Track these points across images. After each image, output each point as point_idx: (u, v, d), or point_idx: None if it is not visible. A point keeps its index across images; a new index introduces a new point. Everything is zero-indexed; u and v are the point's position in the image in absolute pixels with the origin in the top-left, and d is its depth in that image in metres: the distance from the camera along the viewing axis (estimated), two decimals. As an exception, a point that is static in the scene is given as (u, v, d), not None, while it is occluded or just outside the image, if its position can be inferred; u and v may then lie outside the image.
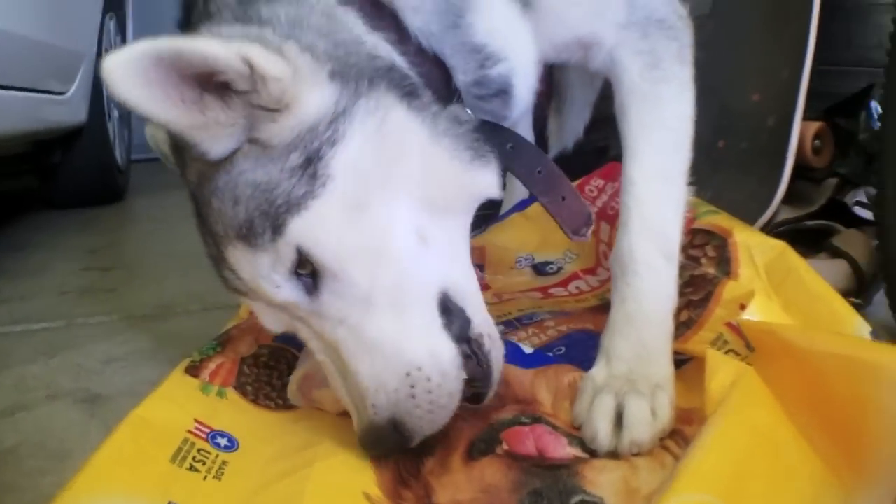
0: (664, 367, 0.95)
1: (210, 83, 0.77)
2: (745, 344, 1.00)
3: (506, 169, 0.98)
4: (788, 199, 1.69)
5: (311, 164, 0.80)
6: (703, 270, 1.17)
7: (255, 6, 0.85)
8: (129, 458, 0.90)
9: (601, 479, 0.85)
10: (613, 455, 0.87)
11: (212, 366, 1.09)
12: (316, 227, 0.80)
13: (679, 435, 0.90)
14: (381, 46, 0.88)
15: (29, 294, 2.26)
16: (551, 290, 1.53)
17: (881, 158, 1.47)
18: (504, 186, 1.04)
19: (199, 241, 0.95)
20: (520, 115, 1.06)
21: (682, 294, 1.12)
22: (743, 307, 1.04)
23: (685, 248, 1.21)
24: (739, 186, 1.76)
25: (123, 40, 3.79)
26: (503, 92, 0.96)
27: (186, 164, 0.87)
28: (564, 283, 1.55)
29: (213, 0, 0.90)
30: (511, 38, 0.95)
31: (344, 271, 0.81)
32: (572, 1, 1.00)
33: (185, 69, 0.74)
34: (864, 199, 1.66)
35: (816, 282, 1.12)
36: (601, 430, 0.87)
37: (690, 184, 1.48)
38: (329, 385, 0.92)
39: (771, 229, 1.65)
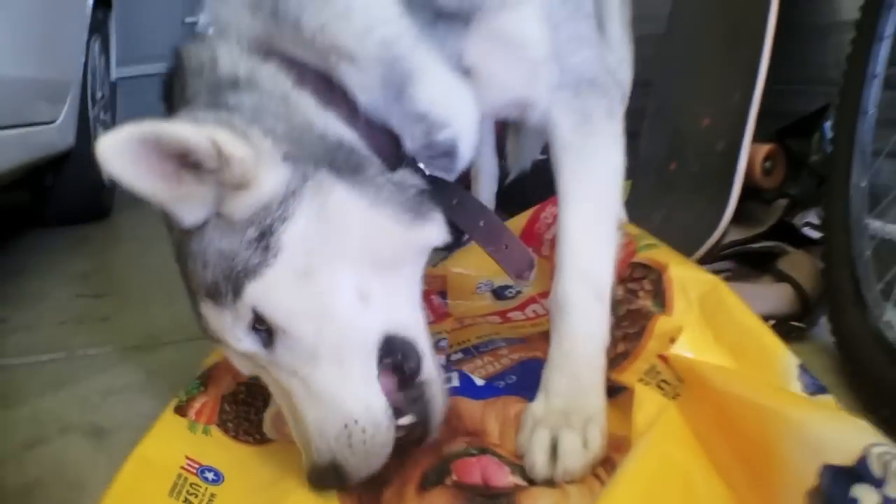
0: (596, 401, 1.05)
1: (187, 161, 0.87)
2: (676, 375, 1.07)
3: (451, 222, 1.06)
4: (738, 220, 1.75)
5: (264, 238, 0.91)
6: (639, 304, 1.23)
7: (223, 94, 0.95)
8: (134, 494, 1.02)
9: (536, 507, 0.94)
10: (549, 483, 0.97)
11: (197, 405, 1.19)
12: (268, 291, 0.92)
13: (609, 462, 0.99)
14: (331, 123, 0.97)
15: (33, 324, 2.32)
16: (509, 314, 1.62)
17: (829, 181, 1.50)
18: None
19: (176, 270, 1.05)
20: (478, 147, 1.15)
21: (619, 327, 1.19)
22: (672, 340, 1.10)
23: (625, 282, 1.30)
24: (690, 207, 1.85)
25: (107, 60, 3.88)
26: (449, 152, 1.06)
27: (172, 228, 0.98)
28: (522, 307, 1.63)
29: (190, 87, 1.00)
30: (453, 105, 1.03)
31: (292, 329, 0.93)
32: (508, 68, 1.07)
33: (165, 149, 0.85)
34: (815, 221, 1.71)
35: (746, 315, 1.16)
36: (538, 461, 0.98)
37: (644, 205, 1.56)
38: None
39: (719, 251, 1.74)
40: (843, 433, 0.79)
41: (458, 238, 1.16)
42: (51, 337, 2.18)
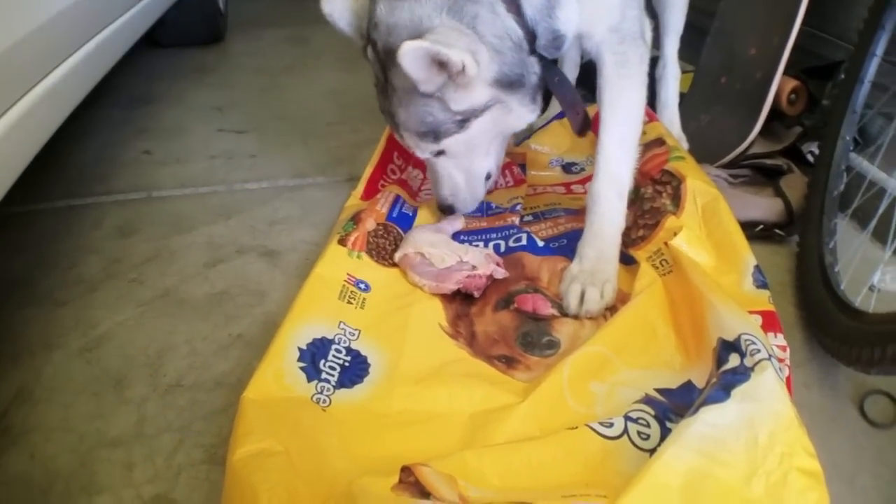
0: (612, 267, 1.48)
1: (439, 63, 1.27)
2: (673, 258, 1.43)
3: (553, 92, 1.50)
4: (763, 135, 2.07)
5: (465, 123, 1.42)
6: (660, 203, 1.59)
7: (463, 2, 1.31)
8: (316, 298, 1.37)
9: (563, 329, 1.38)
10: (575, 317, 1.42)
11: (352, 238, 1.56)
12: (453, 143, 1.46)
13: (615, 309, 1.39)
14: (513, 25, 1.34)
15: (182, 157, 2.42)
16: (572, 187, 1.96)
17: (825, 129, 1.73)
18: (548, 103, 1.54)
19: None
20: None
21: (642, 217, 1.58)
22: (675, 234, 1.46)
23: (654, 183, 1.65)
24: (729, 117, 2.15)
25: None
26: (559, 44, 1.44)
27: (387, 89, 1.43)
28: (582, 182, 1.96)
29: None
30: (570, 21, 1.40)
31: (457, 156, 1.54)
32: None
33: (434, 57, 1.25)
34: (816, 151, 1.88)
35: (732, 223, 1.49)
36: (572, 304, 1.43)
37: (696, 106, 1.86)
38: (417, 272, 1.53)
39: (744, 158, 2.06)
40: (735, 321, 1.13)
41: (545, 108, 1.56)
42: (205, 171, 2.32)
